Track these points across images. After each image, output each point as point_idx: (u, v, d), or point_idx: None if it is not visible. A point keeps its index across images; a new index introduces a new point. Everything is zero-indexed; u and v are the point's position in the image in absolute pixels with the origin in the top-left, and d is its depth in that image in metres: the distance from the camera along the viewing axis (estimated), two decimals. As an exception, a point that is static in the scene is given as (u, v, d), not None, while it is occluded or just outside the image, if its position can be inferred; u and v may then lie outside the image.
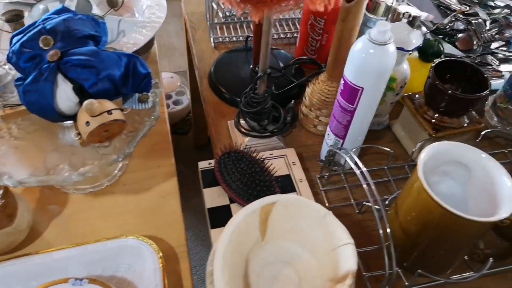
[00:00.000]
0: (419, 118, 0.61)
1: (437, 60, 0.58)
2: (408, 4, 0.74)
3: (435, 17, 0.85)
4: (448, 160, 0.45)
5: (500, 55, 0.81)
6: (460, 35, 0.82)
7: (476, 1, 0.92)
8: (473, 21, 0.82)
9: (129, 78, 0.46)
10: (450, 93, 0.56)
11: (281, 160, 0.60)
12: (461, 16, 0.85)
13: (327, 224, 0.41)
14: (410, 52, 0.57)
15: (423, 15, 0.82)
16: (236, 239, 0.40)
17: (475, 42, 0.80)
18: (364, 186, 0.44)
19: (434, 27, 0.82)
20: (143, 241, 0.45)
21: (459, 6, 0.87)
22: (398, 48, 0.57)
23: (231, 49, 0.81)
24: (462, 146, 0.44)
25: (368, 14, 0.70)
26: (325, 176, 0.61)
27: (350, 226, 0.44)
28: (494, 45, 0.84)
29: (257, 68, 0.72)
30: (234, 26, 0.87)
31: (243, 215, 0.40)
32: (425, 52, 0.66)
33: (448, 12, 0.88)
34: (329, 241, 0.40)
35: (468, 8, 0.85)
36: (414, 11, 0.65)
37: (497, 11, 0.86)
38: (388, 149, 0.60)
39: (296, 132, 0.68)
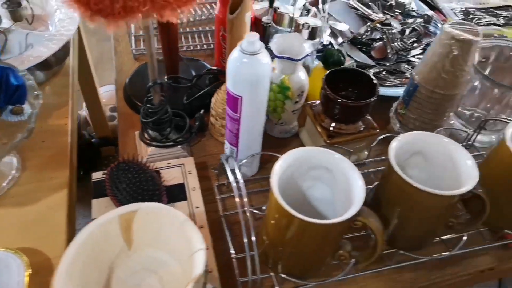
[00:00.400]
0: (317, 126, 0.62)
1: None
2: (322, 12, 0.76)
3: (354, 28, 0.87)
4: (314, 165, 0.47)
5: (416, 63, 0.84)
6: (376, 44, 0.85)
7: (398, 11, 0.95)
8: (387, 31, 0.85)
9: (1, 90, 0.46)
10: (339, 102, 0.57)
11: (178, 169, 0.60)
12: (378, 26, 0.88)
13: (185, 230, 0.41)
14: (298, 61, 0.59)
15: (341, 26, 0.85)
16: (90, 249, 0.40)
17: (388, 51, 0.83)
18: (237, 199, 0.45)
19: (351, 37, 0.85)
20: (11, 254, 0.45)
21: (378, 16, 0.90)
22: (287, 58, 0.59)
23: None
24: (320, 150, 0.46)
25: (275, 26, 0.72)
26: (225, 184, 0.61)
27: (240, 233, 0.45)
28: (413, 52, 0.87)
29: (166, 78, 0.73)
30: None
31: (97, 224, 0.40)
32: (326, 61, 0.68)
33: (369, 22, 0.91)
34: (188, 247, 0.41)
35: (385, 18, 0.88)
36: (313, 22, 0.67)
37: (411, 20, 0.89)
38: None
39: (205, 141, 0.69)
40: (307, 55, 0.59)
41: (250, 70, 0.48)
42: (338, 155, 0.44)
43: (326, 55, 0.67)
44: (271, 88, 0.63)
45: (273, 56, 0.58)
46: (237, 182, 0.46)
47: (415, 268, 0.53)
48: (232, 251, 0.50)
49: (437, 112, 0.63)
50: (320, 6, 0.91)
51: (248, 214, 0.44)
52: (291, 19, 0.69)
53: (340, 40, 0.84)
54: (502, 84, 0.61)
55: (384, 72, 0.81)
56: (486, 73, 0.70)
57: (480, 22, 0.94)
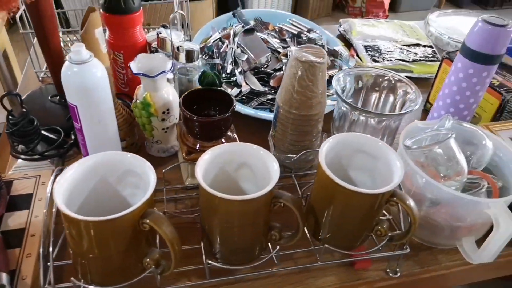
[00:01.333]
0: (181, 143, 0.63)
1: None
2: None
3: (257, 58, 0.90)
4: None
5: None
6: (276, 74, 0.88)
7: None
8: (284, 60, 0.88)
9: None
10: (193, 118, 0.58)
11: (33, 180, 0.61)
12: (283, 57, 0.91)
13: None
14: (153, 77, 0.61)
15: (243, 56, 0.88)
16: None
17: (286, 80, 0.85)
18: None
19: (252, 65, 0.88)
20: None
21: (284, 49, 0.94)
22: (142, 74, 0.61)
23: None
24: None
25: (159, 50, 0.75)
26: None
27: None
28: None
29: (53, 97, 0.75)
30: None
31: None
32: (201, 82, 0.70)
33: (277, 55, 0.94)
34: None
35: (287, 51, 0.92)
36: (188, 45, 0.70)
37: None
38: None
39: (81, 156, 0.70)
40: (162, 72, 0.61)
41: (78, 79, 0.50)
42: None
43: (201, 77, 0.69)
44: (135, 105, 0.64)
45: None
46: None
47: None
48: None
49: (299, 133, 0.64)
50: (231, 38, 0.96)
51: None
52: (171, 44, 0.72)
53: (239, 69, 0.87)
54: (356, 106, 0.63)
55: (278, 99, 0.83)
56: (361, 102, 0.72)
57: (388, 58, 0.97)
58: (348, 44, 1.08)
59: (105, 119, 0.55)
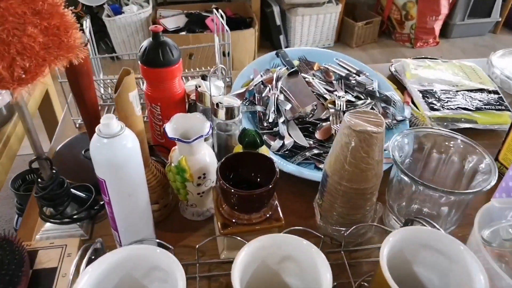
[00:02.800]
0: (217, 212, 0.57)
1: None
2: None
3: (302, 106, 0.84)
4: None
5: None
6: (323, 124, 0.80)
7: (359, 90, 0.91)
8: (334, 111, 0.81)
9: None
10: (231, 191, 0.52)
11: (58, 250, 0.56)
12: (330, 106, 0.84)
13: None
14: (189, 143, 0.55)
15: (286, 105, 0.82)
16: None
17: (333, 132, 0.78)
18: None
19: (297, 115, 0.81)
20: None
21: (331, 95, 0.86)
22: (178, 140, 0.56)
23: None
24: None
25: (198, 103, 0.70)
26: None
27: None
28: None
29: (86, 152, 0.72)
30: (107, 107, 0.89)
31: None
32: (241, 141, 0.64)
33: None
34: None
35: (334, 98, 0.84)
36: (228, 101, 0.64)
37: (360, 102, 0.84)
38: (170, 246, 0.56)
39: (112, 218, 0.66)
40: (200, 137, 0.55)
41: (107, 153, 0.46)
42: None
43: (241, 135, 0.64)
44: (170, 169, 0.59)
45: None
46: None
47: None
48: None
49: (349, 206, 0.56)
50: (274, 83, 0.90)
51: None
52: (210, 96, 0.67)
53: (282, 119, 0.80)
54: (417, 180, 0.54)
55: (324, 154, 0.75)
56: (421, 164, 0.63)
57: (447, 106, 0.87)
58: (401, 87, 0.99)
59: (136, 192, 0.50)
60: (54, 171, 0.58)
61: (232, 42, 0.93)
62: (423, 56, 1.09)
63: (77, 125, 0.84)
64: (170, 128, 0.57)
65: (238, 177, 0.58)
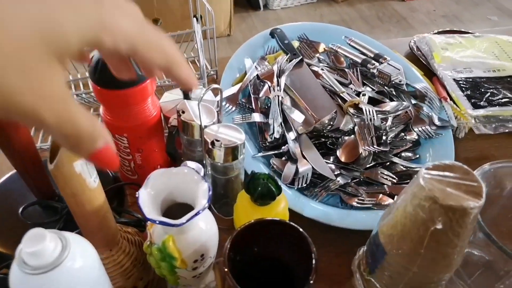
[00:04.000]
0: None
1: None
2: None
3: (318, 109, 0.64)
4: None
5: (401, 166, 0.60)
6: (345, 139, 0.62)
7: (381, 83, 0.72)
8: (355, 119, 0.62)
9: None
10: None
11: None
12: (351, 111, 0.65)
13: None
14: (177, 226, 0.36)
15: (296, 115, 0.62)
16: None
17: (360, 150, 0.59)
18: None
19: (311, 128, 0.62)
20: None
21: (350, 95, 0.67)
22: (160, 222, 0.36)
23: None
24: None
25: (182, 134, 0.49)
26: None
27: None
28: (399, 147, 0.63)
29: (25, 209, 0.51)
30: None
31: None
32: (249, 191, 0.44)
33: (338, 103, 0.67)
34: None
35: (359, 101, 0.65)
36: (231, 136, 0.44)
37: (394, 105, 0.65)
38: None
39: None
40: (195, 215, 0.36)
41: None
42: None
43: (249, 183, 0.44)
44: (150, 251, 0.40)
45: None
46: None
47: None
48: None
49: (416, 292, 0.39)
50: (275, 80, 0.69)
51: None
52: (201, 129, 0.47)
53: (293, 135, 0.61)
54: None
55: (352, 183, 0.57)
56: (495, 213, 0.46)
57: (493, 100, 0.70)
58: (426, 71, 0.80)
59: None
60: None
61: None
62: (448, 29, 0.89)
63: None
64: (146, 199, 0.37)
65: (253, 253, 0.40)
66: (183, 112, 0.47)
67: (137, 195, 0.37)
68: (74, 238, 0.27)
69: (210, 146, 0.44)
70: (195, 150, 0.50)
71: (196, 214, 0.36)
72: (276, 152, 0.61)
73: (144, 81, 0.46)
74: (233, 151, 0.44)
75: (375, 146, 0.58)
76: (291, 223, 0.39)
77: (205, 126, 0.46)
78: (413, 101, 0.69)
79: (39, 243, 0.24)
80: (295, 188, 0.55)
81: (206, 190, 0.37)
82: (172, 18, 1.95)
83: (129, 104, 0.47)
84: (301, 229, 0.38)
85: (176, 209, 0.40)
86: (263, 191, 0.44)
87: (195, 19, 0.68)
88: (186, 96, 0.54)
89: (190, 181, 0.39)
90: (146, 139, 0.51)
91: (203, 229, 0.40)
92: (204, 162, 0.48)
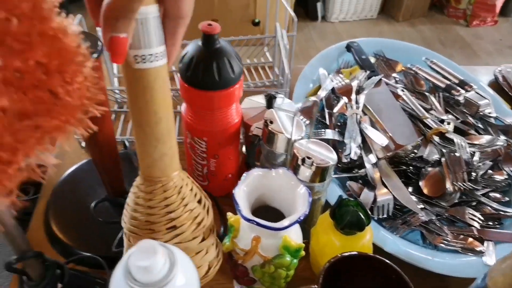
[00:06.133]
0: None
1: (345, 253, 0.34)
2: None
3: (399, 133, 0.60)
4: None
5: (489, 208, 0.54)
6: (428, 170, 0.57)
7: (468, 113, 0.67)
8: (444, 150, 0.57)
9: None
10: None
11: None
12: (436, 139, 0.60)
13: None
14: (279, 230, 0.33)
15: (376, 136, 0.58)
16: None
17: (447, 185, 0.54)
18: None
19: (393, 153, 0.57)
20: None
21: (435, 122, 0.62)
22: (259, 225, 0.33)
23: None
24: None
25: (265, 145, 0.46)
26: None
27: None
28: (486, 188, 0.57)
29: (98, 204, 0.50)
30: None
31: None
32: (336, 218, 0.41)
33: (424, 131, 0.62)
34: None
35: (446, 129, 0.60)
36: (322, 155, 0.41)
37: (485, 140, 0.59)
38: None
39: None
40: (297, 221, 0.33)
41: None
42: None
43: (336, 210, 0.41)
44: (262, 272, 0.37)
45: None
46: None
47: None
48: None
49: None
50: (353, 96, 0.66)
51: None
52: (289, 142, 0.44)
53: (373, 158, 0.57)
54: None
55: (437, 221, 0.52)
56: None
57: None
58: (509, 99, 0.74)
59: None
60: (47, 263, 0.36)
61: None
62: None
63: (83, 144, 0.61)
64: (243, 196, 0.34)
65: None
66: (271, 122, 0.44)
67: (233, 195, 0.34)
68: (179, 253, 0.25)
69: (300, 163, 0.41)
70: (275, 163, 0.47)
71: (297, 220, 0.33)
72: (351, 175, 0.57)
73: (233, 85, 0.43)
74: (323, 172, 0.41)
75: (466, 183, 0.53)
76: (393, 265, 0.35)
77: (295, 140, 0.43)
78: (503, 137, 0.63)
79: (151, 257, 0.22)
80: (375, 218, 0.51)
81: (306, 195, 0.34)
82: (231, 21, 1.94)
83: (214, 107, 0.45)
84: (403, 274, 0.34)
85: (260, 213, 0.37)
86: (352, 220, 0.40)
87: (278, 24, 0.65)
88: (270, 103, 0.51)
89: (286, 185, 0.36)
90: (224, 146, 0.49)
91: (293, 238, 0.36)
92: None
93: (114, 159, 0.46)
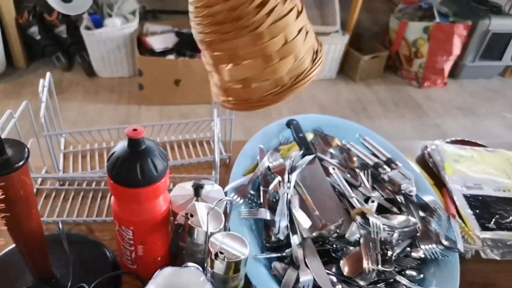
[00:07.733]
0: None
1: None
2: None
3: (327, 213, 0.64)
4: None
5: (403, 287, 0.58)
6: (350, 249, 0.61)
7: (390, 190, 0.72)
8: (361, 230, 0.62)
9: None
10: None
11: None
12: (358, 219, 0.65)
13: None
14: None
15: (302, 218, 0.62)
16: None
17: (364, 265, 0.58)
18: None
19: (316, 234, 0.61)
20: None
21: (358, 201, 0.67)
22: None
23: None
24: None
25: (188, 237, 0.50)
26: None
27: None
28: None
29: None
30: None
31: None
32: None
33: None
34: None
35: (372, 204, 0.65)
36: (235, 250, 0.44)
37: (402, 219, 0.65)
38: None
39: None
40: None
41: None
42: None
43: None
44: None
45: None
46: None
47: None
48: None
49: None
50: (286, 176, 0.71)
51: None
52: (206, 235, 0.47)
53: (296, 239, 0.61)
54: None
55: (354, 302, 0.56)
56: None
57: (501, 223, 0.69)
58: (436, 178, 0.81)
59: None
60: None
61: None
62: (460, 138, 0.91)
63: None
64: None
65: None
66: (192, 215, 0.48)
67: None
68: None
69: (213, 257, 0.44)
70: (198, 250, 0.51)
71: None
72: (278, 255, 0.60)
73: (156, 182, 0.47)
74: (235, 265, 0.44)
75: (379, 266, 0.57)
76: None
77: (211, 234, 0.46)
78: (422, 214, 0.69)
79: None
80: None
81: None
82: (193, 81, 2.03)
83: (140, 201, 0.48)
84: None
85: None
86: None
87: (215, 110, 0.71)
88: (197, 192, 0.55)
89: (195, 284, 0.39)
90: (151, 233, 0.51)
91: None
92: (205, 265, 0.48)
93: (41, 247, 0.48)
